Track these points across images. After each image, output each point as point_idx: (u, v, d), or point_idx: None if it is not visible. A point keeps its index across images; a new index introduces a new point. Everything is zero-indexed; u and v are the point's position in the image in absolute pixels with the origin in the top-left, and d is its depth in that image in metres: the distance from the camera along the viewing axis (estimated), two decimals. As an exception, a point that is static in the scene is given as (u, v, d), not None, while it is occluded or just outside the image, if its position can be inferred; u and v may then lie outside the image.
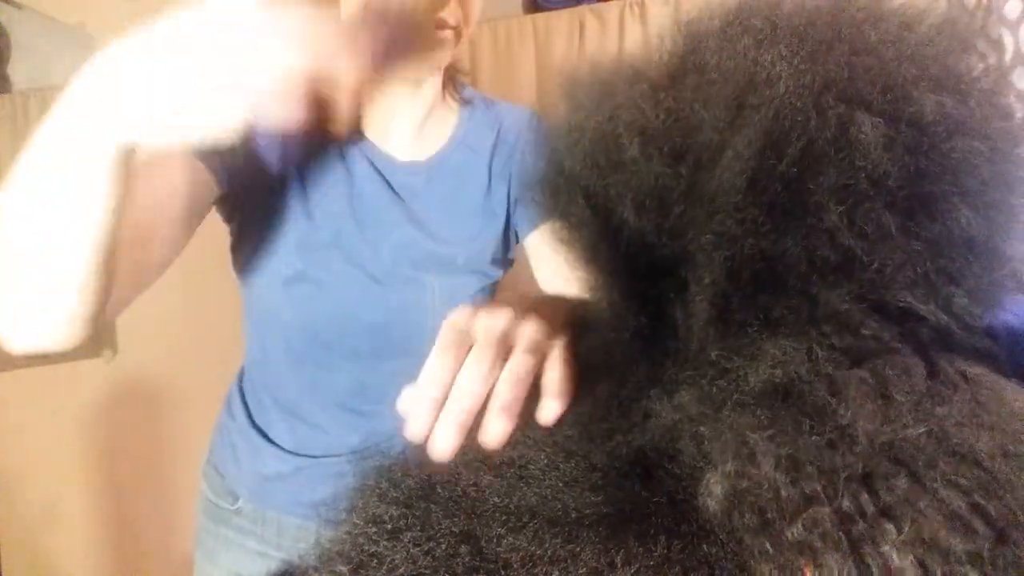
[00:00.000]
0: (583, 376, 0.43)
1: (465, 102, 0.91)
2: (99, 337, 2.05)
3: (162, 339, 2.03)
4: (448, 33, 0.77)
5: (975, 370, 0.28)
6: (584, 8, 2.03)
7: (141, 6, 2.09)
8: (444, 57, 0.80)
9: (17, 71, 2.02)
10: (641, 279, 0.35)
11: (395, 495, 0.42)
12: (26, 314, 0.54)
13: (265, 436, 0.93)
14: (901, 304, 0.29)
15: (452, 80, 0.91)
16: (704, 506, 0.29)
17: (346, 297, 0.84)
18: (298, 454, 0.91)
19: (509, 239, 0.92)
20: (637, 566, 0.29)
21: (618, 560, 0.30)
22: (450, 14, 0.76)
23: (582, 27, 2.01)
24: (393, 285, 0.84)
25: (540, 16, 2.06)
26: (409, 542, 0.37)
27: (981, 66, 0.33)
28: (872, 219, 0.29)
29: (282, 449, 0.91)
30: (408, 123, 0.86)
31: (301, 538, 0.91)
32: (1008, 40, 1.61)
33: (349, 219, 0.82)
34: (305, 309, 0.84)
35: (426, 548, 0.37)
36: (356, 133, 0.84)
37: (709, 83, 0.33)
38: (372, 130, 0.85)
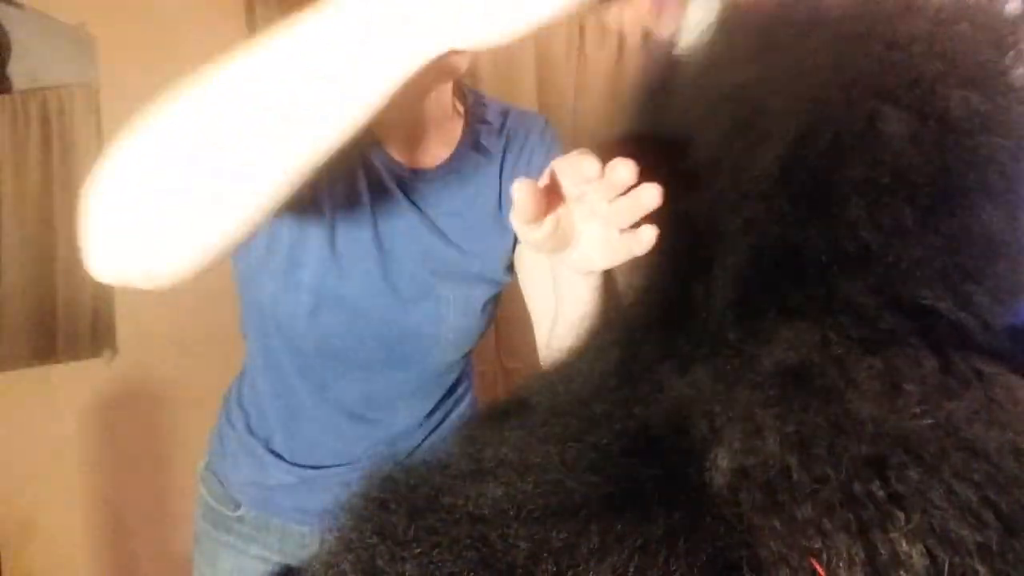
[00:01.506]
0: (594, 349, 0.44)
1: (471, 106, 0.88)
2: (99, 337, 2.05)
3: (162, 339, 2.02)
4: None
5: (990, 368, 0.28)
6: (584, 8, 2.03)
7: (141, 6, 2.08)
8: (462, 63, 0.75)
9: (17, 71, 2.02)
10: (671, 258, 0.35)
11: (401, 506, 0.42)
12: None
13: (266, 447, 0.91)
14: (921, 299, 0.29)
15: (457, 84, 0.88)
16: (711, 481, 0.29)
17: (368, 311, 0.81)
18: (302, 465, 0.90)
19: None
20: (641, 539, 0.29)
21: (622, 534, 0.30)
22: None
23: (582, 27, 2.01)
24: (414, 298, 0.82)
25: (540, 16, 2.06)
26: (417, 552, 0.38)
27: (1018, 64, 0.32)
28: (891, 213, 0.29)
29: (285, 460, 0.90)
30: (417, 130, 0.83)
31: (305, 545, 0.90)
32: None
33: (369, 230, 0.79)
34: (323, 323, 0.81)
35: (433, 557, 0.37)
36: (370, 140, 0.80)
37: (754, 72, 0.34)
38: (384, 137, 0.82)
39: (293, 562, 0.87)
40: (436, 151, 0.85)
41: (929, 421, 0.25)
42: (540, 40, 2.03)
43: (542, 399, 0.50)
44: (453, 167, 0.85)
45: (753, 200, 0.31)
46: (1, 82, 2.04)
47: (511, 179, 0.84)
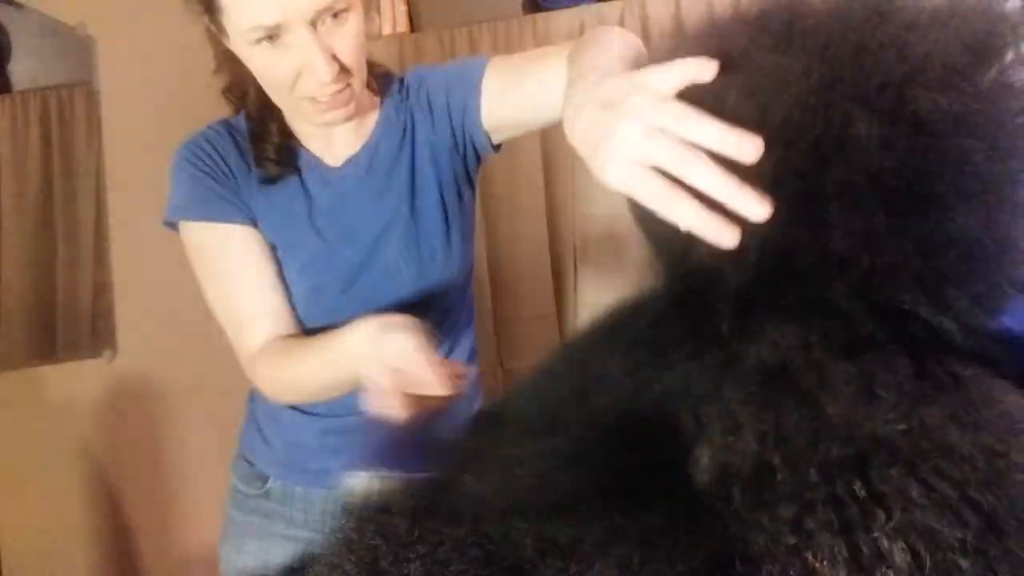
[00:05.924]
0: (599, 339, 0.45)
1: (382, 90, 1.01)
2: (99, 337, 2.05)
3: (162, 339, 2.03)
4: (349, 93, 0.86)
5: (968, 371, 0.28)
6: (584, 8, 2.04)
7: (141, 6, 2.06)
8: (353, 100, 0.88)
9: (17, 71, 2.02)
10: (685, 256, 0.36)
11: (402, 508, 0.43)
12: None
13: (291, 407, 1.03)
14: (900, 304, 0.29)
15: (370, 82, 0.98)
16: (696, 477, 0.31)
17: (329, 296, 0.96)
18: (323, 415, 1.01)
19: (468, 177, 1.02)
20: (643, 533, 0.30)
21: (624, 528, 0.30)
22: (339, 84, 0.83)
23: (582, 27, 2.01)
24: (366, 273, 0.96)
25: (540, 16, 2.07)
26: (421, 553, 0.38)
27: (994, 65, 0.32)
28: (865, 216, 0.29)
29: (306, 413, 1.02)
30: (348, 133, 0.97)
31: (327, 510, 1.00)
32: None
33: (314, 231, 0.96)
34: (303, 308, 0.97)
35: (438, 557, 0.37)
36: (294, 143, 0.96)
37: (736, 81, 0.34)
38: (317, 146, 0.97)
39: (314, 533, 0.98)
40: (362, 138, 0.99)
41: (902, 426, 0.26)
42: (540, 40, 2.04)
43: (539, 394, 0.51)
44: (374, 144, 0.98)
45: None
46: (1, 82, 2.04)
47: (423, 143, 0.99)
